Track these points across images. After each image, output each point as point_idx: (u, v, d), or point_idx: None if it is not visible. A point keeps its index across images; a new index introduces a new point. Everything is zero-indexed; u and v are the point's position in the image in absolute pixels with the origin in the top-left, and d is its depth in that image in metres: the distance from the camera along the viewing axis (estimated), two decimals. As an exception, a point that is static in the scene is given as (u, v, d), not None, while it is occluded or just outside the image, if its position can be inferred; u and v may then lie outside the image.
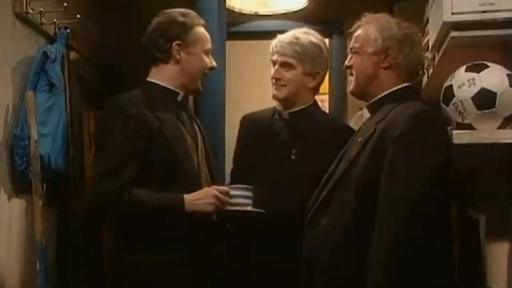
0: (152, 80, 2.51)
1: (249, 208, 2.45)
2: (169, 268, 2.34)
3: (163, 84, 2.49)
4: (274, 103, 2.78)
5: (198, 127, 2.58)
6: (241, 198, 2.44)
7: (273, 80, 2.69)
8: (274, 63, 2.69)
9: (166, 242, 2.34)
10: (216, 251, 2.46)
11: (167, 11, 2.54)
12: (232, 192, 2.43)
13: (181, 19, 2.49)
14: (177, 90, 2.51)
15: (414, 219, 2.03)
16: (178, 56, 2.48)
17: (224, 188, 2.43)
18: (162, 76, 2.51)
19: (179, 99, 2.52)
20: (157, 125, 2.38)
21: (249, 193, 2.46)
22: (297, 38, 2.67)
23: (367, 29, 2.33)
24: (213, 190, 2.39)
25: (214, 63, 2.55)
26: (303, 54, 2.66)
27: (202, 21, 2.54)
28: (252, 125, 2.77)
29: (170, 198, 2.36)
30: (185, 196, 2.36)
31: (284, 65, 2.66)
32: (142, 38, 2.53)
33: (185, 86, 2.52)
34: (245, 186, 2.46)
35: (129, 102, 2.41)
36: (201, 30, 2.52)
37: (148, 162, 2.35)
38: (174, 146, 2.39)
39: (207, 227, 2.43)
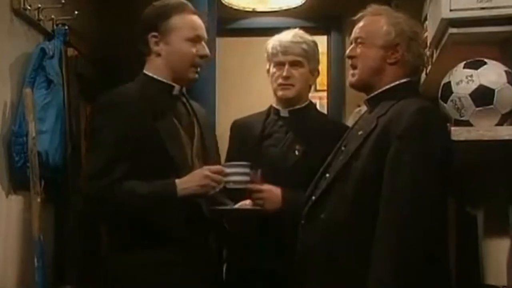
0: (146, 72, 2.45)
1: (247, 207, 2.42)
2: (163, 268, 2.31)
3: (156, 77, 2.43)
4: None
5: (197, 121, 2.52)
6: (237, 175, 2.36)
7: (280, 80, 2.67)
8: (281, 63, 2.67)
9: (159, 242, 2.31)
10: (211, 251, 2.44)
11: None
12: (228, 170, 2.35)
13: (158, 9, 2.42)
14: (172, 83, 2.44)
15: (418, 216, 2.02)
16: (156, 48, 2.41)
17: (217, 166, 2.36)
18: (152, 68, 2.44)
19: (174, 92, 2.45)
20: (149, 120, 2.33)
21: (246, 170, 2.39)
22: (301, 37, 2.70)
23: (377, 21, 2.28)
24: (204, 170, 2.32)
25: (205, 51, 2.43)
26: (309, 52, 2.69)
27: (187, 8, 2.43)
28: (246, 128, 2.75)
29: (161, 185, 2.30)
30: (177, 180, 2.30)
31: (294, 64, 2.67)
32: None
33: (174, 78, 2.43)
34: (241, 162, 2.39)
35: (121, 98, 2.35)
36: (180, 18, 2.41)
37: (140, 158, 2.30)
38: (166, 141, 2.34)
39: (202, 226, 2.39)
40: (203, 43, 2.44)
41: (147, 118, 2.33)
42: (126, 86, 2.43)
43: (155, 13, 2.42)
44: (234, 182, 2.37)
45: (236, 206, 2.50)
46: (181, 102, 2.49)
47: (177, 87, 2.45)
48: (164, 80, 2.43)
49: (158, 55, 2.41)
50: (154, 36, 2.40)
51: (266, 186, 2.50)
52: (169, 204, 2.30)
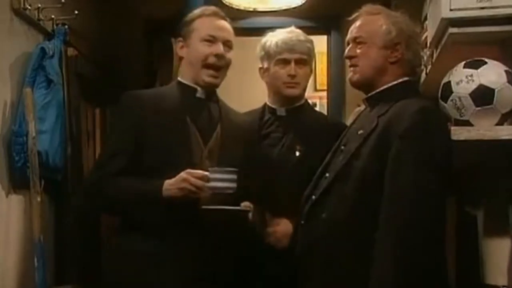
0: (178, 78, 2.56)
1: (236, 207, 2.34)
2: (155, 263, 2.32)
3: (181, 80, 2.52)
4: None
5: (222, 125, 2.49)
6: (221, 181, 2.26)
7: (287, 78, 2.66)
8: (286, 61, 2.66)
9: (152, 237, 2.33)
10: (209, 250, 2.39)
11: None
12: (211, 176, 2.27)
13: (185, 18, 2.53)
14: (195, 86, 2.49)
15: (420, 216, 2.01)
16: (181, 51, 2.51)
17: (198, 171, 2.29)
18: (180, 72, 2.57)
19: (197, 95, 2.48)
20: (155, 119, 2.37)
21: (231, 176, 2.27)
22: (303, 36, 2.72)
23: (376, 20, 2.28)
24: (184, 174, 2.28)
25: (219, 50, 2.44)
26: (312, 51, 2.72)
27: (207, 12, 2.50)
28: None
29: (150, 184, 2.32)
30: (166, 181, 2.30)
31: (300, 62, 2.68)
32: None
33: (193, 80, 2.48)
34: (227, 168, 2.28)
35: (134, 98, 2.44)
36: (199, 21, 2.49)
37: (140, 154, 2.35)
38: (169, 141, 2.37)
39: (198, 225, 2.36)
40: (219, 43, 2.46)
41: (153, 117, 2.39)
42: (152, 88, 2.62)
43: (183, 22, 2.54)
44: (219, 188, 2.27)
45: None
46: (205, 105, 2.50)
47: (200, 90, 2.49)
48: (187, 83, 2.50)
49: (182, 58, 2.53)
50: (180, 41, 2.52)
51: (280, 228, 2.50)
52: (154, 202, 2.31)
